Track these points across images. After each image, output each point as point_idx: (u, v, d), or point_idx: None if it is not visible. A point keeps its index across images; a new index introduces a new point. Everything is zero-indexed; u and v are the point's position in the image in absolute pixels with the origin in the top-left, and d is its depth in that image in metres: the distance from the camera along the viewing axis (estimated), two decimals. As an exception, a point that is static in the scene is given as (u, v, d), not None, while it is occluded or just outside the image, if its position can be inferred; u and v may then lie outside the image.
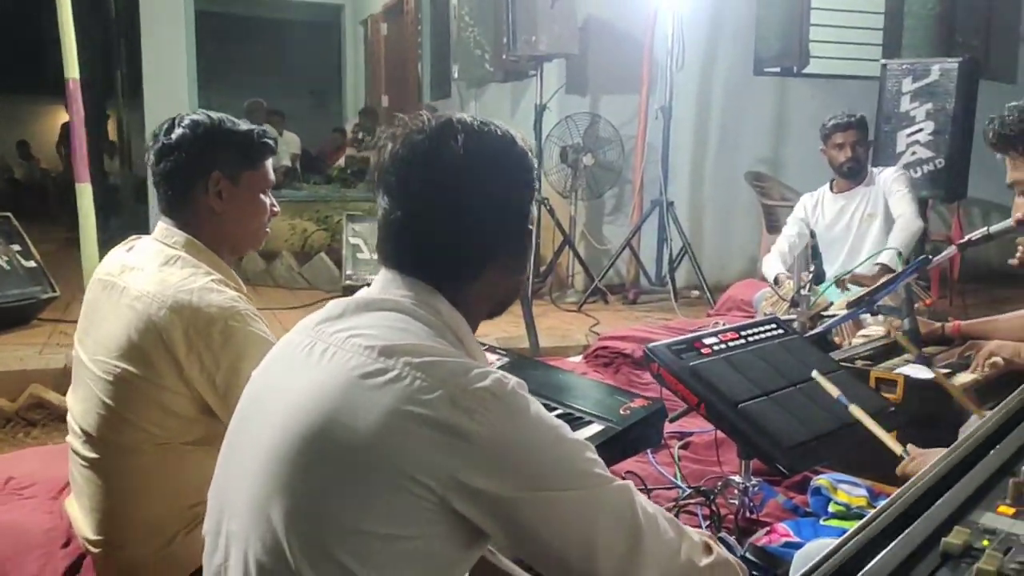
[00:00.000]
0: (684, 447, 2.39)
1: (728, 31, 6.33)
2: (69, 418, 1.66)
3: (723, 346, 1.95)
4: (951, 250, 2.35)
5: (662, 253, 5.89)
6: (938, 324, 2.63)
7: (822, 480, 2.07)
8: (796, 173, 6.20)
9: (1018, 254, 2.90)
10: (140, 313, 1.51)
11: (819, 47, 6.62)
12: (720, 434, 2.08)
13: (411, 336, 1.01)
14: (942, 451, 1.76)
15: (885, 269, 3.49)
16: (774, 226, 5.42)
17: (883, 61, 4.82)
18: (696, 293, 5.78)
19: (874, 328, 2.96)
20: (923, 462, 1.59)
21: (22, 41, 12.43)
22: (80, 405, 1.61)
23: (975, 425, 2.33)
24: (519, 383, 0.98)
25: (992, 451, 0.81)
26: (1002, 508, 0.72)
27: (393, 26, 10.01)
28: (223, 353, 1.49)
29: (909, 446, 1.62)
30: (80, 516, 1.66)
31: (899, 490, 0.76)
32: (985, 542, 0.67)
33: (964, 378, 2.31)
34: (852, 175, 3.94)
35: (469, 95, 7.64)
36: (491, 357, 1.96)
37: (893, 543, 0.66)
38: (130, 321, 1.51)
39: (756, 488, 1.97)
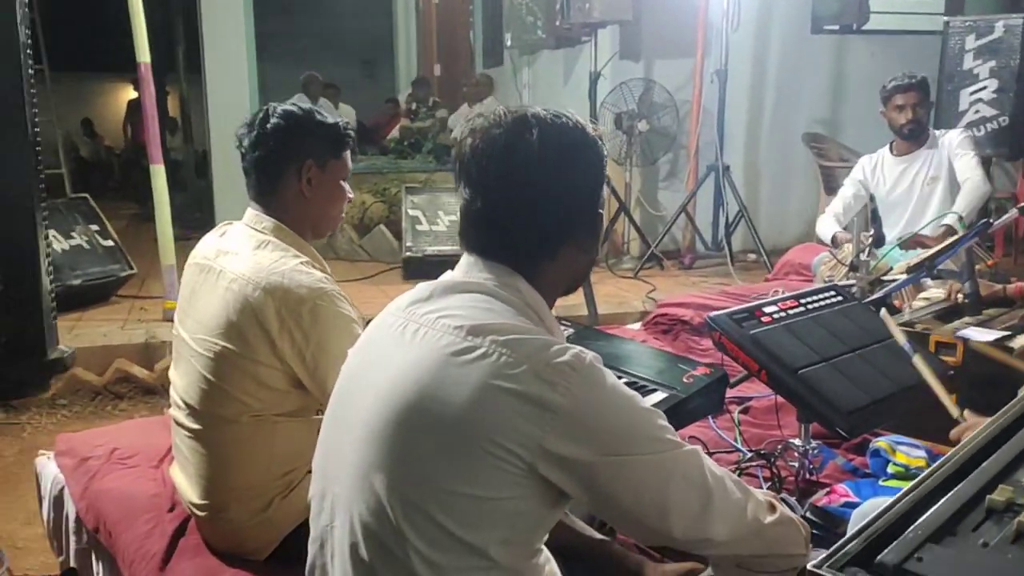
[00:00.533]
0: (744, 412, 2.46)
1: (785, -11, 6.25)
2: (172, 392, 1.80)
3: (783, 314, 2.01)
4: (1013, 213, 2.37)
5: (718, 218, 5.91)
6: (999, 286, 2.64)
7: (881, 442, 2.12)
8: (855, 134, 6.13)
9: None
10: (236, 294, 1.63)
11: (879, 3, 6.50)
12: (780, 399, 2.15)
13: (496, 316, 1.10)
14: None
15: (950, 231, 3.47)
16: (832, 188, 5.38)
17: (946, 18, 4.73)
18: (752, 257, 5.80)
19: (935, 291, 2.97)
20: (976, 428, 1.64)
21: (83, 19, 12.74)
22: (182, 380, 1.75)
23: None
24: (596, 357, 1.07)
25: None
26: (1046, 468, 0.79)
27: (445, -6, 10.04)
28: (312, 330, 1.60)
29: (966, 412, 1.67)
30: (185, 482, 1.81)
31: (950, 452, 0.83)
32: (1029, 499, 0.74)
33: (1020, 341, 2.33)
34: (913, 137, 3.90)
35: (522, 63, 7.67)
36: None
37: (942, 499, 0.74)
38: (228, 301, 1.64)
39: (816, 451, 2.03)
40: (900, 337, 1.87)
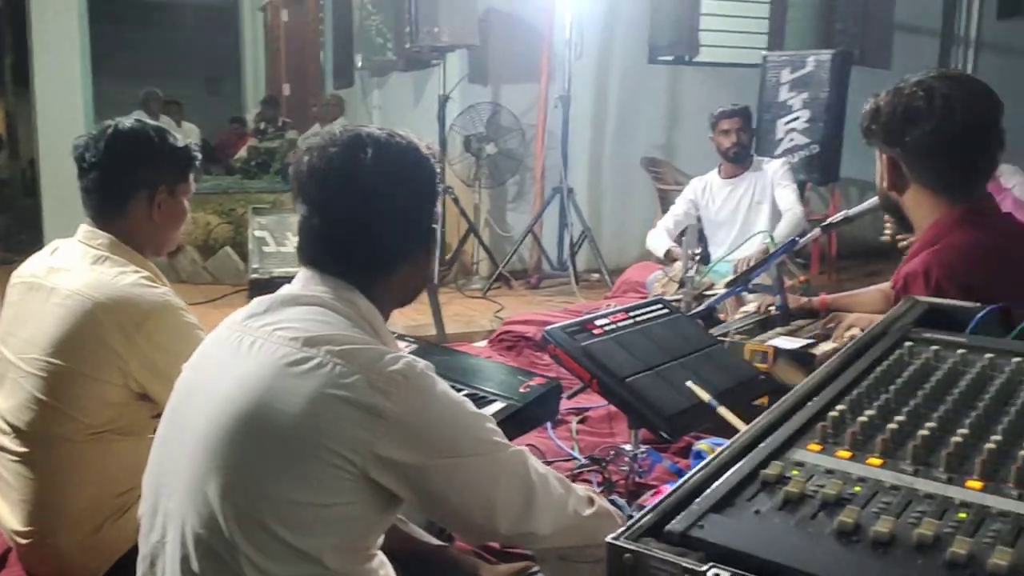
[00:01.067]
0: (582, 421, 2.58)
1: (624, 20, 6.56)
2: (-6, 416, 1.73)
3: (613, 327, 2.14)
4: (815, 232, 2.60)
5: (563, 238, 6.11)
6: (806, 299, 2.90)
7: (702, 445, 2.27)
8: (688, 158, 6.52)
9: (887, 230, 3.22)
10: (71, 310, 1.60)
11: (709, 36, 6.95)
12: (613, 407, 2.28)
13: (331, 327, 1.14)
14: None
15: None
16: (669, 210, 5.70)
17: (764, 53, 5.14)
18: (596, 276, 6.03)
19: (752, 305, 3.23)
20: None
21: None
22: (7, 402, 1.68)
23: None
24: (427, 365, 1.14)
25: (810, 402, 1.00)
26: (811, 446, 0.91)
27: (294, 12, 9.94)
28: (161, 342, 1.60)
29: None
30: (6, 509, 1.73)
31: (735, 436, 0.94)
32: (795, 472, 0.86)
33: (826, 347, 2.56)
34: (738, 160, 4.23)
35: (372, 84, 7.69)
36: (400, 344, 2.10)
37: (724, 475, 0.84)
38: (61, 318, 1.60)
39: (644, 455, 2.17)
40: (704, 396, 2.00)
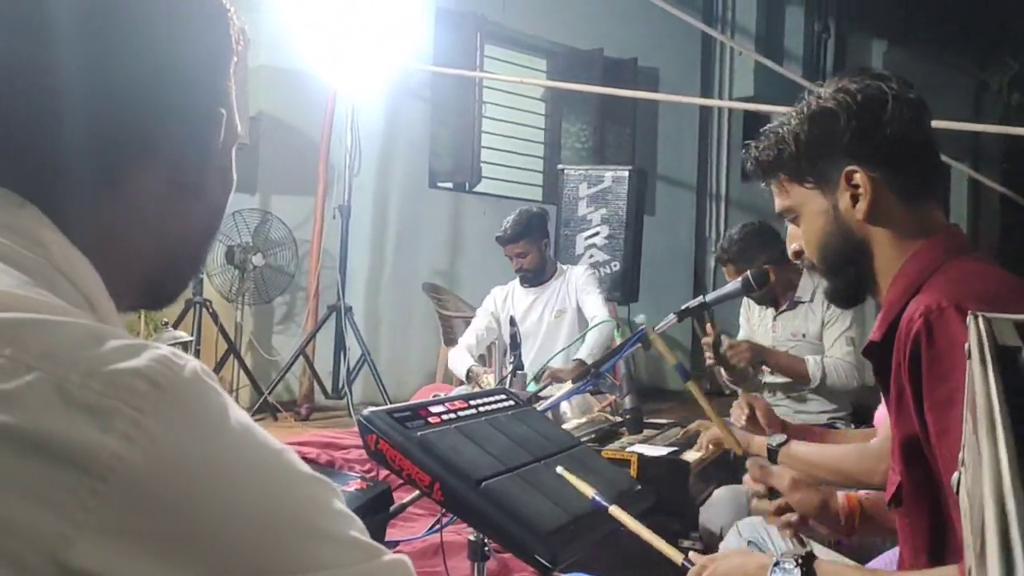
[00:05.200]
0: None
1: (403, 141, 6.26)
2: None
3: (453, 415, 1.56)
4: (671, 318, 2.21)
5: (339, 363, 5.42)
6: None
7: (567, 582, 1.71)
8: (471, 287, 6.13)
9: (709, 357, 2.89)
10: None
11: (491, 168, 6.80)
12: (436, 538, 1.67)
13: (-29, 283, 0.50)
14: (729, 553, 1.51)
15: (581, 364, 3.38)
16: (452, 340, 5.24)
17: (561, 166, 4.96)
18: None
19: (574, 421, 2.78)
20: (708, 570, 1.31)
21: None
22: None
23: (718, 503, 2.13)
24: (204, 368, 0.51)
25: None
26: None
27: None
28: None
29: (691, 554, 1.34)
30: None
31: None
32: None
33: (691, 456, 2.14)
34: (529, 282, 3.91)
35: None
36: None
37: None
38: None
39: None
40: (587, 490, 1.49)
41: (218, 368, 5.04)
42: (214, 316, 4.94)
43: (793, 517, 1.47)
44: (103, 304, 0.59)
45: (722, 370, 2.97)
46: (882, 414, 1.85)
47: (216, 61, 0.67)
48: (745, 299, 3.39)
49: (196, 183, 0.66)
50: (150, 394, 0.47)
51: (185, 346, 4.37)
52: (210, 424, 0.49)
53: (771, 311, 3.27)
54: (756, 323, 3.36)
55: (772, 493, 1.50)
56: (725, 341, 2.92)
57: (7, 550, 0.42)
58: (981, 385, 0.54)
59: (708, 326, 2.81)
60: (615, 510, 1.42)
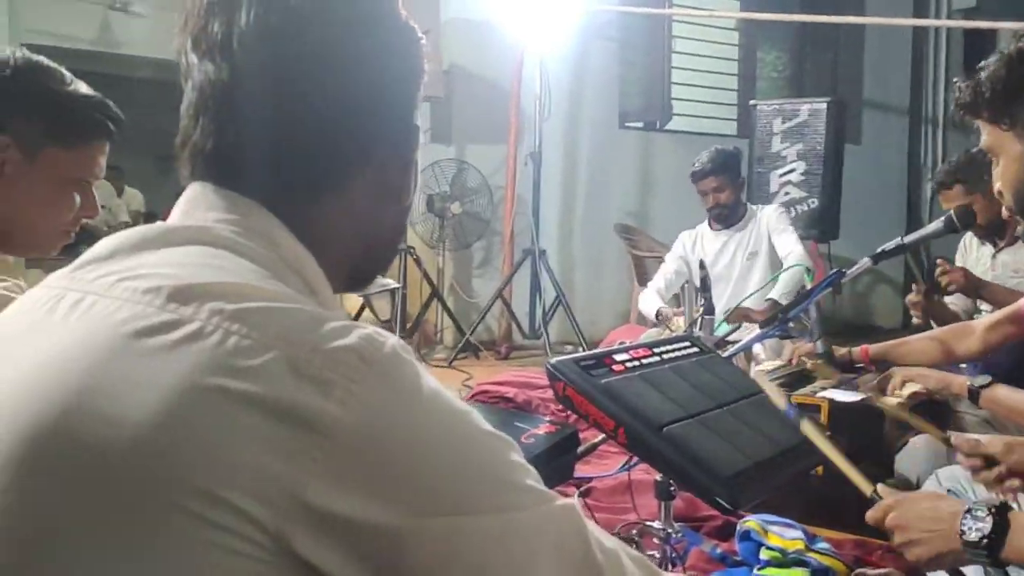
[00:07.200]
0: (585, 495, 2.04)
1: (592, 83, 6.26)
2: None
3: (636, 363, 1.62)
4: (865, 262, 2.15)
5: (535, 305, 5.61)
6: (844, 349, 2.43)
7: (750, 523, 1.76)
8: (664, 227, 6.09)
9: (917, 316, 2.73)
10: None
11: (681, 105, 6.67)
12: (625, 477, 1.77)
13: (225, 274, 0.62)
14: (920, 495, 1.49)
15: (775, 304, 3.32)
16: (644, 279, 5.27)
17: (753, 102, 4.80)
18: (571, 348, 5.53)
19: (768, 364, 2.75)
20: (903, 514, 1.27)
21: None
22: None
23: (915, 451, 2.08)
24: (402, 345, 0.62)
25: None
26: None
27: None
28: None
29: (880, 487, 1.33)
30: None
31: None
32: None
33: (889, 401, 2.08)
34: (721, 221, 3.84)
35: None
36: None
37: None
38: None
39: (679, 535, 1.64)
40: (779, 401, 1.53)
41: (423, 311, 5.37)
42: (418, 262, 5.24)
43: (1016, 481, 1.42)
44: (323, 291, 0.70)
45: (932, 323, 2.81)
46: None
47: (415, 83, 0.77)
48: (965, 236, 3.19)
49: (399, 187, 0.76)
50: (360, 367, 0.57)
51: (392, 292, 4.71)
52: (407, 390, 0.59)
53: (990, 249, 3.06)
54: (973, 263, 3.15)
55: (988, 462, 1.45)
56: (940, 266, 2.74)
57: (260, 491, 0.54)
58: None
59: (914, 284, 2.67)
60: (806, 426, 1.43)
